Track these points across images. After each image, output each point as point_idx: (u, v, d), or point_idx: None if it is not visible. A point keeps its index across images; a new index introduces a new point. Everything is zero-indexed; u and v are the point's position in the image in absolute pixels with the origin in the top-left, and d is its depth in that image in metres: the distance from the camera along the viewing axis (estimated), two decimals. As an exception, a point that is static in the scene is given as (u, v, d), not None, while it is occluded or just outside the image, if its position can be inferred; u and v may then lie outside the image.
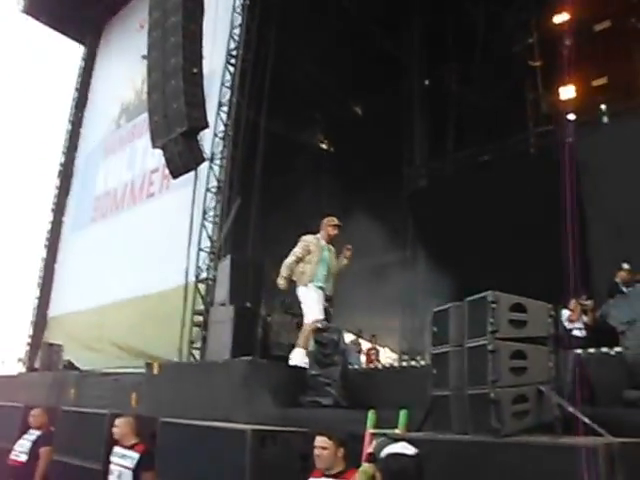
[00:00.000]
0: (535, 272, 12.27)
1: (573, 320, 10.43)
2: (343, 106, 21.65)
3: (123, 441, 6.42)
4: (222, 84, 15.50)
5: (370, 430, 5.42)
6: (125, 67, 21.08)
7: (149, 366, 9.32)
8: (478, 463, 3.91)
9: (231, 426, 5.61)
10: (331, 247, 8.57)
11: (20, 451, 7.77)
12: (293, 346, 8.42)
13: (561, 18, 17.06)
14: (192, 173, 14.55)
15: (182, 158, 13.79)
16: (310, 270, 8.30)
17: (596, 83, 16.77)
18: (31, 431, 7.96)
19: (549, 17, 17.41)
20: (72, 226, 22.49)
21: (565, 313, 10.53)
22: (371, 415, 5.52)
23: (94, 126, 23.16)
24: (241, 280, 10.61)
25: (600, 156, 13.47)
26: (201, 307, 14.17)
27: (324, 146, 22.45)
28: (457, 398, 4.32)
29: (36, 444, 7.74)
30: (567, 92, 16.62)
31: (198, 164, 14.17)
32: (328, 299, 8.50)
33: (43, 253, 22.66)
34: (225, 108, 15.29)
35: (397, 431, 5.16)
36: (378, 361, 15.37)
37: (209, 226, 14.80)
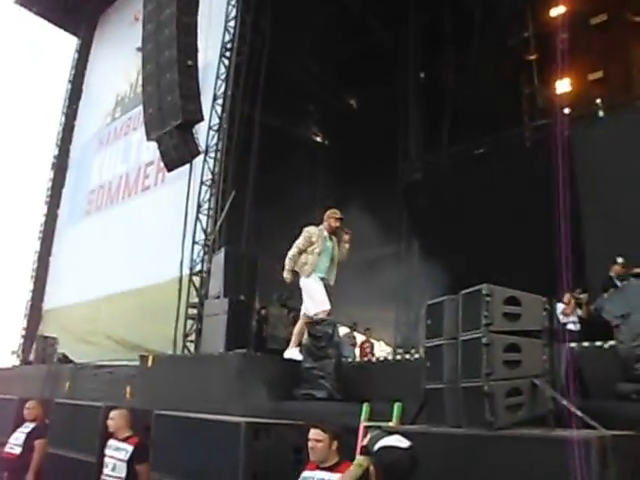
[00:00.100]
0: (530, 265, 12.27)
1: (568, 314, 10.41)
2: (338, 99, 21.63)
3: (117, 434, 6.42)
4: (217, 77, 15.48)
5: (364, 423, 5.43)
6: (120, 60, 20.99)
7: (143, 359, 9.32)
8: (472, 456, 3.92)
9: (225, 419, 5.61)
10: (334, 237, 8.58)
11: (14, 444, 7.75)
12: (289, 340, 8.44)
13: (557, 11, 17.01)
14: (187, 166, 14.53)
15: (177, 151, 13.78)
16: (312, 260, 8.32)
17: (592, 77, 16.73)
18: (26, 424, 7.94)
19: (545, 10, 17.35)
20: (67, 219, 22.45)
21: (560, 307, 10.53)
22: (365, 408, 5.53)
23: (89, 119, 23.09)
24: (235, 273, 10.61)
25: (596, 150, 13.47)
26: (195, 300, 14.17)
27: (319, 139, 22.42)
28: (451, 391, 4.32)
29: (31, 436, 7.73)
30: (563, 86, 16.60)
31: (193, 157, 14.16)
32: (329, 290, 8.50)
33: (37, 246, 22.60)
34: (220, 101, 15.27)
35: (391, 424, 5.17)
36: (372, 354, 15.38)
37: (203, 219, 14.80)
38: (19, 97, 32.78)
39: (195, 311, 14.01)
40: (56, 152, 23.62)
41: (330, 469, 4.47)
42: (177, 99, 13.17)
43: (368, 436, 3.82)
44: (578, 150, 12.55)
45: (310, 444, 4.57)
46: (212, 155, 15.02)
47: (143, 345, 14.49)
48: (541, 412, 4.10)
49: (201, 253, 14.58)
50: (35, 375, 12.51)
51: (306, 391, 6.93)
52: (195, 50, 13.69)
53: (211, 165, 14.96)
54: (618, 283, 9.48)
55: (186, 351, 13.58)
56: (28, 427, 7.88)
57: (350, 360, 7.86)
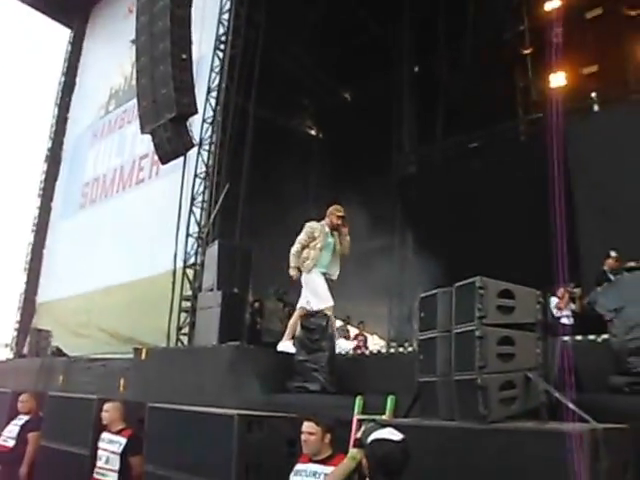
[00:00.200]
0: (524, 259, 12.28)
1: (561, 308, 10.44)
2: (332, 92, 21.59)
3: (111, 426, 6.43)
4: (211, 70, 15.43)
5: (357, 416, 5.44)
6: (114, 52, 20.93)
7: (137, 352, 9.32)
8: (465, 449, 3.93)
9: (218, 411, 5.61)
10: (335, 233, 8.61)
11: (8, 436, 7.77)
12: (284, 333, 8.47)
13: (552, 5, 16.98)
14: (181, 159, 14.50)
15: (171, 144, 13.75)
16: (314, 256, 8.36)
17: (587, 71, 16.71)
18: (20, 416, 7.95)
19: (540, 4, 17.31)
20: (60, 212, 22.39)
21: (553, 301, 10.55)
22: (358, 401, 5.54)
23: (82, 111, 23.00)
24: (229, 266, 10.62)
25: (590, 144, 13.47)
26: (189, 293, 14.16)
27: (313, 132, 22.38)
28: (444, 384, 4.32)
29: (24, 429, 7.74)
30: (557, 80, 16.58)
31: (187, 150, 14.14)
32: (331, 284, 8.53)
33: (31, 239, 22.53)
34: (214, 94, 15.23)
35: (384, 417, 5.18)
36: (366, 348, 15.38)
37: (197, 212, 14.77)
38: (11, 89, 32.54)
39: (189, 304, 14.00)
40: (49, 145, 23.50)
41: (323, 462, 4.48)
42: (171, 92, 13.15)
43: (362, 428, 3.82)
44: (572, 144, 12.54)
45: (303, 437, 4.57)
46: (206, 148, 14.98)
47: (137, 338, 14.47)
48: (534, 405, 4.11)
49: (195, 246, 14.56)
50: (29, 368, 12.52)
51: (299, 384, 6.93)
52: (189, 43, 13.65)
53: (205, 158, 14.93)
54: (612, 277, 9.52)
55: (180, 344, 13.58)
56: (22, 420, 7.89)
57: (343, 353, 7.85)
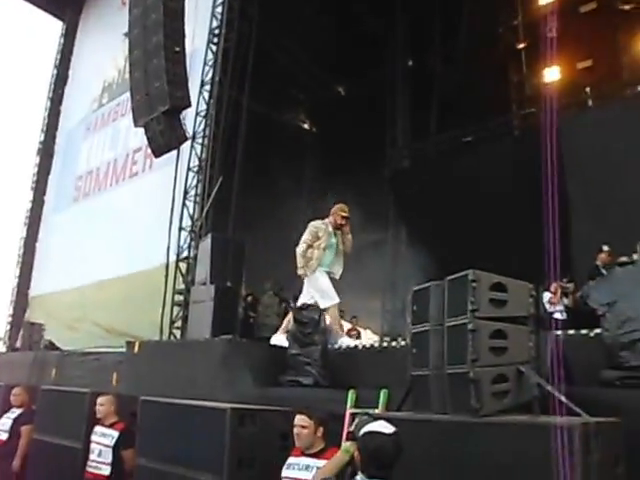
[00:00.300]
0: (517, 254, 12.29)
1: (554, 303, 10.48)
2: (326, 86, 21.57)
3: (104, 420, 6.44)
4: (204, 63, 15.36)
5: (350, 410, 5.44)
6: (107, 45, 20.83)
7: (130, 345, 9.31)
8: (457, 442, 3.93)
9: (211, 405, 5.62)
10: (338, 232, 8.63)
11: (1, 429, 7.79)
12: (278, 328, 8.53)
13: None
14: (174, 152, 14.48)
15: (164, 137, 13.74)
16: (318, 255, 8.44)
17: (581, 65, 16.71)
18: (12, 410, 7.97)
19: (534, -2, 17.35)
20: (53, 205, 22.31)
21: (546, 295, 10.58)
22: (351, 394, 5.54)
23: (75, 104, 22.90)
24: (222, 259, 10.60)
25: (584, 139, 13.48)
26: (182, 286, 14.14)
27: (307, 126, 22.37)
28: (437, 377, 4.32)
29: (17, 422, 7.76)
30: (552, 74, 16.57)
31: (180, 143, 14.13)
32: (335, 283, 8.64)
33: (23, 232, 22.47)
34: (207, 87, 15.17)
35: (377, 411, 5.18)
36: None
37: (190, 205, 14.73)
38: (3, 82, 32.41)
39: (182, 297, 13.98)
40: (42, 138, 23.38)
41: (316, 455, 4.49)
42: (164, 85, 13.13)
43: (355, 421, 3.82)
44: (566, 138, 12.51)
45: (295, 430, 4.58)
46: (199, 141, 14.93)
47: (130, 332, 14.43)
48: (527, 399, 4.11)
49: (188, 239, 14.53)
50: (22, 362, 12.52)
51: (292, 377, 6.93)
52: (182, 36, 13.63)
53: (198, 151, 14.88)
54: (604, 272, 9.54)
55: (172, 337, 13.57)
56: (15, 413, 7.91)
57: (336, 347, 7.86)
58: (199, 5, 15.20)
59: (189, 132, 14.43)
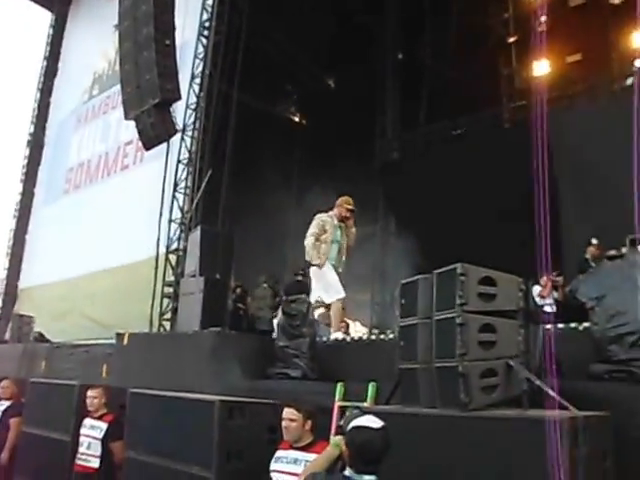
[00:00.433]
0: (507, 247, 12.29)
1: (544, 296, 10.47)
2: (316, 79, 21.49)
3: (94, 412, 6.44)
4: (195, 56, 15.34)
5: (338, 403, 5.44)
6: (97, 36, 20.71)
7: (119, 337, 9.29)
8: (445, 436, 3.93)
9: (199, 397, 5.62)
10: (342, 225, 8.63)
11: (-11, 422, 7.77)
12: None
13: (537, -7, 17.00)
14: (165, 145, 14.46)
15: (155, 129, 13.69)
16: (324, 250, 8.40)
17: (571, 59, 16.73)
18: (1, 402, 7.96)
19: (525, -9, 17.34)
20: (44, 197, 22.21)
21: (536, 289, 10.58)
22: (339, 388, 5.54)
23: (65, 96, 22.75)
24: (211, 251, 10.58)
25: (574, 133, 13.50)
26: (172, 278, 14.15)
27: (296, 119, 22.30)
28: (425, 371, 4.30)
29: (6, 415, 7.76)
30: (541, 67, 16.57)
31: (170, 136, 14.09)
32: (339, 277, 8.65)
33: (13, 224, 22.38)
34: (198, 80, 15.16)
35: (365, 404, 5.18)
36: (348, 334, 15.35)
37: (180, 197, 14.74)
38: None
39: (171, 289, 13.99)
40: (32, 129, 23.23)
41: (304, 449, 4.49)
42: (155, 78, 13.06)
43: (345, 415, 3.82)
44: (556, 132, 12.47)
45: (284, 423, 4.58)
46: (189, 134, 14.93)
47: (119, 324, 14.37)
48: (515, 393, 4.11)
49: (177, 231, 14.53)
50: (11, 354, 12.47)
51: (280, 370, 6.93)
52: (173, 28, 13.55)
53: (188, 144, 14.88)
54: (593, 265, 9.56)
55: (162, 329, 13.56)
56: (3, 405, 7.91)
57: (325, 339, 7.86)
58: (189, -3, 15.16)
59: (179, 125, 14.38)
